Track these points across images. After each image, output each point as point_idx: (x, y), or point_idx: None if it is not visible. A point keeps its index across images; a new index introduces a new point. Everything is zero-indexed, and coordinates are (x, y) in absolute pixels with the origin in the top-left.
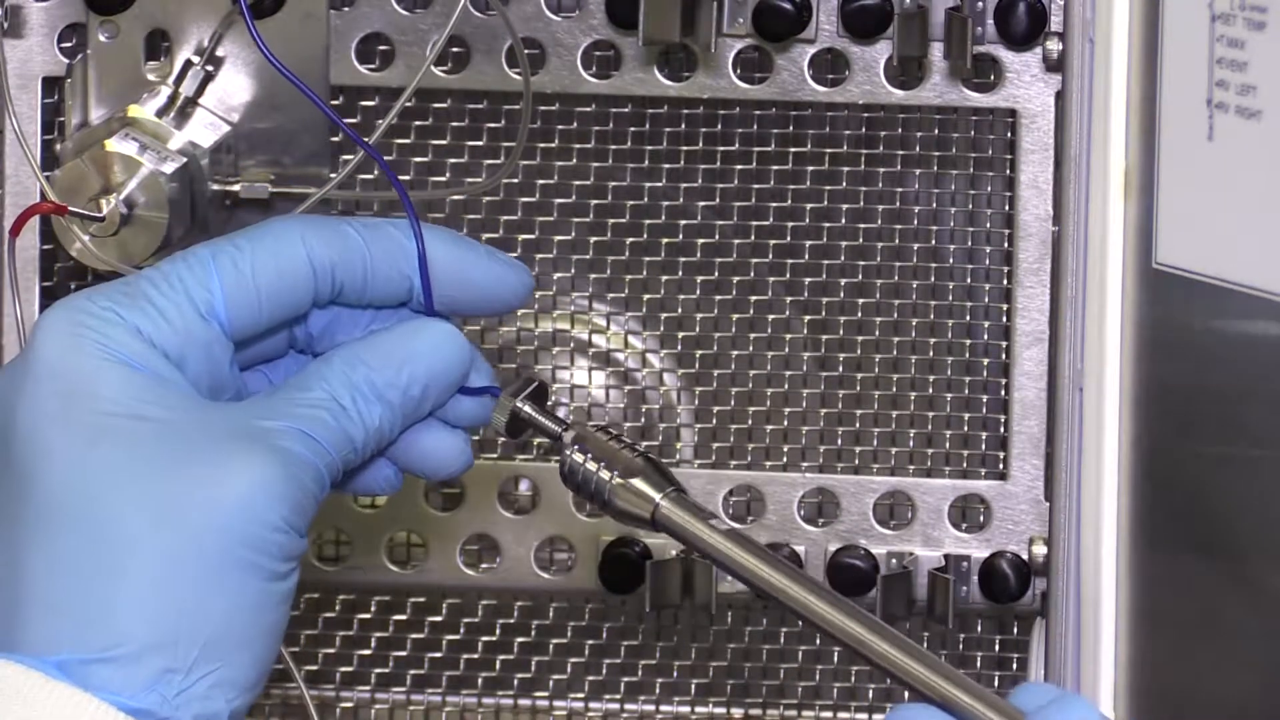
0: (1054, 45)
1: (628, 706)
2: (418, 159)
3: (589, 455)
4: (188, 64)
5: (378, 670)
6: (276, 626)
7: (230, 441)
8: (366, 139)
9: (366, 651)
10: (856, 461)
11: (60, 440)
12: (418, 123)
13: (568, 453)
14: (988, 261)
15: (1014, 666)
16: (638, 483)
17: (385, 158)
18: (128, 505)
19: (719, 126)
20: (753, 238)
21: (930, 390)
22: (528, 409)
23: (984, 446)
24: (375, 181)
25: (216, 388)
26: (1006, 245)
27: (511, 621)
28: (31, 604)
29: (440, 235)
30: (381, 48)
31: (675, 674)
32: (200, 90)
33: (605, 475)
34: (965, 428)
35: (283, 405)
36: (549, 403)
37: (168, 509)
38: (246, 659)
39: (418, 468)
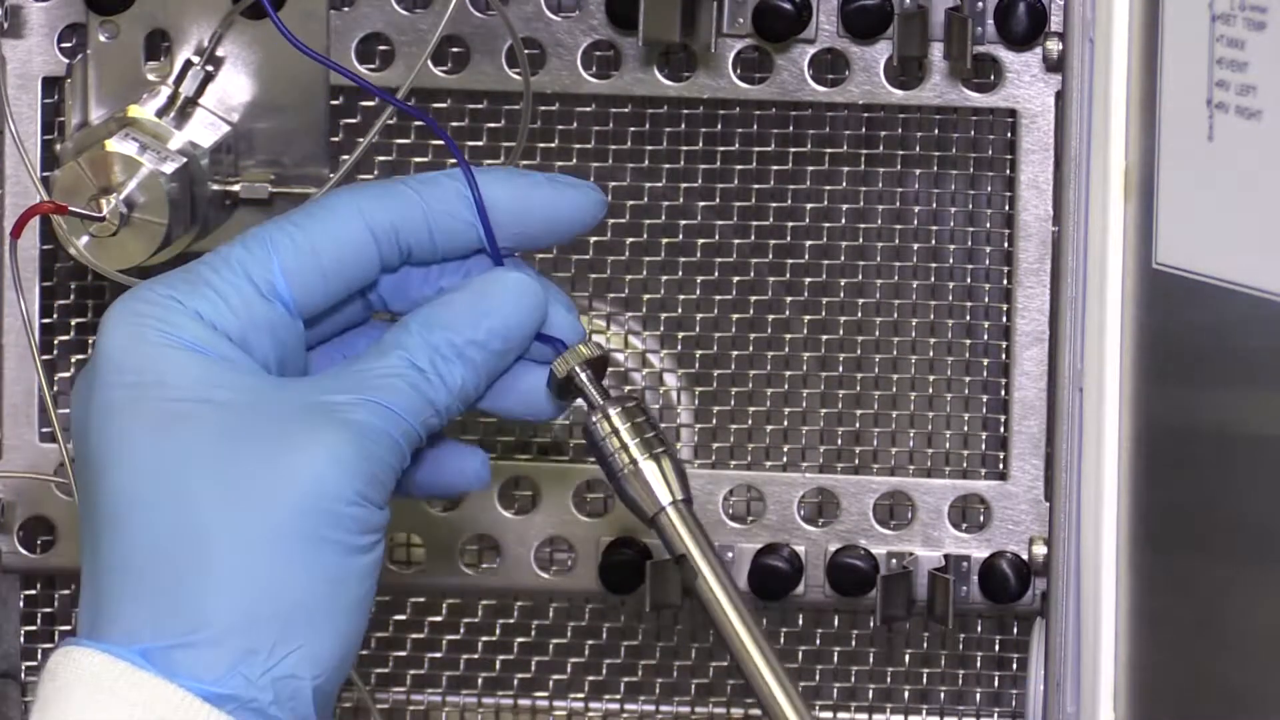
0: (1054, 45)
1: (628, 706)
2: (418, 159)
3: (618, 431)
4: (188, 64)
5: (378, 670)
6: (361, 601)
7: (298, 419)
8: (364, 139)
9: (366, 651)
10: (856, 461)
11: (130, 430)
12: (418, 123)
13: (596, 420)
14: (988, 261)
15: (1014, 666)
16: (653, 479)
17: (385, 158)
18: (200, 490)
19: (719, 126)
20: (753, 238)
21: (930, 390)
22: (583, 377)
23: (984, 446)
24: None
25: (286, 367)
26: (1006, 245)
27: (511, 621)
28: (113, 593)
29: (497, 176)
30: (381, 48)
31: (675, 674)
32: (200, 90)
33: (625, 458)
34: (965, 428)
35: (355, 377)
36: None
37: (239, 491)
38: (328, 634)
39: (519, 412)
